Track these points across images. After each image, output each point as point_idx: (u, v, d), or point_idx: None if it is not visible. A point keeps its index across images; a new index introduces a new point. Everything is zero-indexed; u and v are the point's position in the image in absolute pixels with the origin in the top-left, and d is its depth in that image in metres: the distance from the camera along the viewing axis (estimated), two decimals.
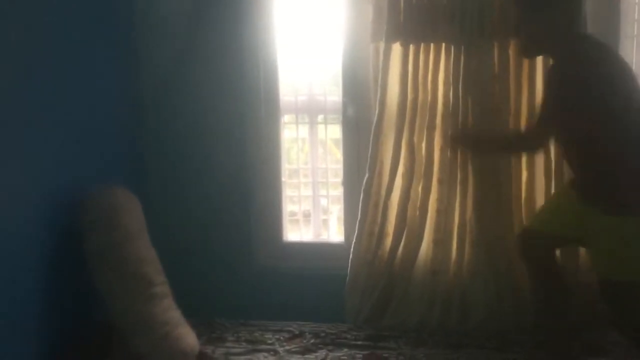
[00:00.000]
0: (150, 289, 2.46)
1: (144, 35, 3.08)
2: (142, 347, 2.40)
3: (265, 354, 2.71)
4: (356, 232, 3.00)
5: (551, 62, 2.56)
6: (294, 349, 2.74)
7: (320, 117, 3.36)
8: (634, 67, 3.00)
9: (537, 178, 2.92)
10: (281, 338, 2.84)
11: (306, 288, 2.89)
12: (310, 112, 3.34)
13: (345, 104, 3.15)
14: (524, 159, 2.92)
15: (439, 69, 2.90)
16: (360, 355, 2.68)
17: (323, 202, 3.47)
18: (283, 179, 3.31)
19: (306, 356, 2.69)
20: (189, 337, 2.56)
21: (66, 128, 2.48)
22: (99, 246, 2.40)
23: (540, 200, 2.92)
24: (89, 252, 2.41)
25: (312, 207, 3.42)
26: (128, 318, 2.42)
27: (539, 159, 2.91)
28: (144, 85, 3.11)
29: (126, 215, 2.49)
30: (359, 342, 2.80)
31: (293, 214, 3.47)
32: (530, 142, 2.72)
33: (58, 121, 2.43)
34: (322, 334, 2.86)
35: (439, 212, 2.95)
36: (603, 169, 2.37)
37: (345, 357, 2.67)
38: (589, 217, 2.41)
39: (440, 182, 2.94)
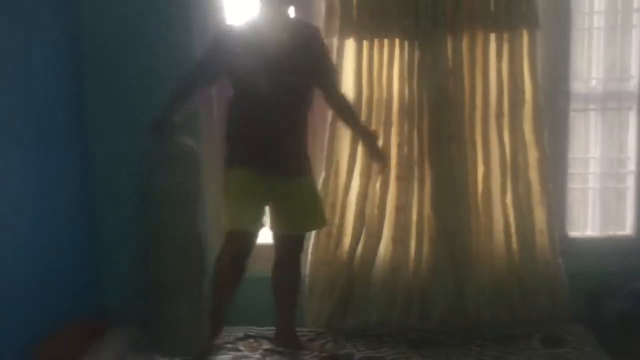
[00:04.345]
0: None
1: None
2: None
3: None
4: (313, 233, 2.94)
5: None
6: (255, 356, 2.67)
7: None
8: (585, 59, 3.06)
9: (492, 173, 2.92)
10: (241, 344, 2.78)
11: (262, 292, 2.80)
12: None
13: None
14: (479, 154, 2.91)
15: (393, 64, 2.87)
16: None
17: None
18: None
19: None
20: None
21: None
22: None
23: (496, 194, 2.92)
24: None
25: None
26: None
27: (494, 154, 2.91)
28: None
29: None
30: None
31: None
32: None
33: None
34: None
35: (397, 209, 2.92)
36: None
37: None
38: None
39: (398, 179, 2.91)
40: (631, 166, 3.12)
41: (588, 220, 3.20)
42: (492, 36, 2.85)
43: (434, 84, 2.83)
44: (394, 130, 2.90)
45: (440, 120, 2.85)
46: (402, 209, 2.92)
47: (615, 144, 3.16)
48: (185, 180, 2.53)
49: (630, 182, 3.13)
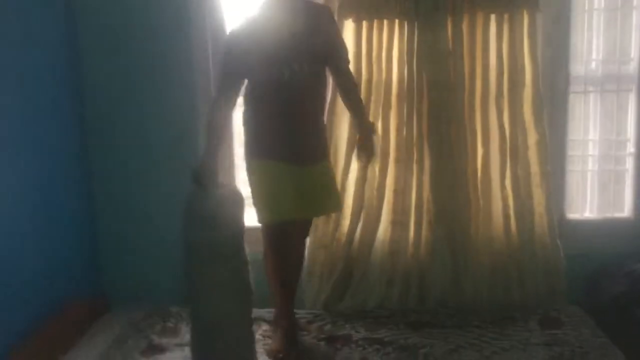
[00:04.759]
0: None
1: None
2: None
3: None
4: None
5: None
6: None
7: None
8: (585, 41, 3.04)
9: (492, 155, 2.92)
10: None
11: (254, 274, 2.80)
12: None
13: None
14: (479, 136, 2.90)
15: (392, 46, 2.85)
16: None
17: None
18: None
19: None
20: None
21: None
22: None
23: (495, 176, 2.92)
24: None
25: None
26: None
27: (494, 136, 2.90)
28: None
29: None
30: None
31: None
32: None
33: None
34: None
35: (396, 192, 2.92)
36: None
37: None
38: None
39: (397, 161, 2.90)
40: (630, 148, 3.12)
41: (586, 203, 3.21)
42: (492, 17, 2.83)
43: (434, 65, 2.82)
44: (392, 113, 2.89)
45: (440, 102, 2.84)
46: (400, 192, 2.92)
47: (614, 126, 3.16)
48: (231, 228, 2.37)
49: (629, 164, 3.14)
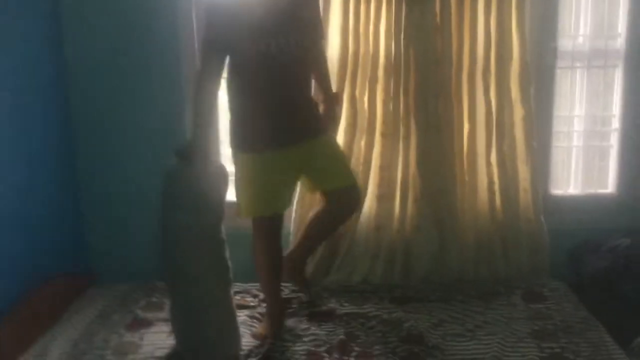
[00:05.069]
0: None
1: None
2: None
3: None
4: (298, 190, 2.92)
5: None
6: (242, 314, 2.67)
7: None
8: (573, 16, 3.03)
9: (478, 130, 2.91)
10: None
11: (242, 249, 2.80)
12: None
13: None
14: (465, 111, 2.90)
15: (380, 20, 2.81)
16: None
17: None
18: None
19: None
20: None
21: None
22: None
23: (481, 152, 2.92)
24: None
25: None
26: None
27: (480, 111, 2.89)
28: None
29: None
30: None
31: None
32: None
33: None
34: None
35: (382, 167, 2.91)
36: None
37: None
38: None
39: (383, 136, 2.89)
40: (615, 124, 3.13)
41: (571, 178, 3.22)
42: None
43: (421, 40, 2.79)
44: (379, 87, 2.87)
45: (427, 77, 2.82)
46: (386, 167, 2.91)
47: (601, 101, 3.16)
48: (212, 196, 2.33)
49: (614, 140, 3.15)
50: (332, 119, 2.70)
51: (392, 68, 2.84)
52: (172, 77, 2.98)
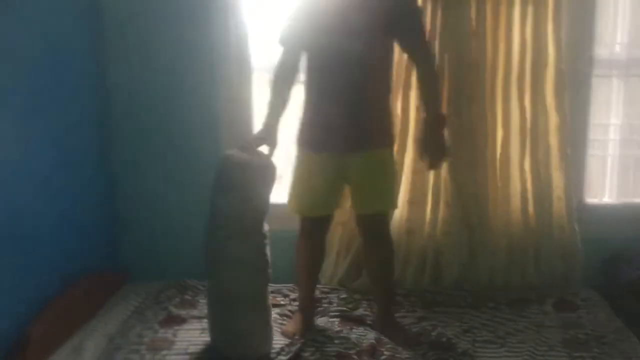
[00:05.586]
0: None
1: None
2: None
3: None
4: None
5: None
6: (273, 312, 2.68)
7: None
8: (610, 24, 3.00)
9: (512, 136, 2.90)
10: None
11: (281, 250, 2.81)
12: None
13: None
14: (499, 117, 2.89)
15: None
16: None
17: None
18: None
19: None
20: None
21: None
22: None
23: (515, 158, 2.91)
24: None
25: None
26: None
27: (515, 117, 2.88)
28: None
29: None
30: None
31: None
32: None
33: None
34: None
35: (414, 172, 2.92)
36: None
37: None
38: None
39: (416, 141, 2.89)
40: None
41: (606, 187, 3.18)
42: None
43: (456, 45, 2.80)
44: (412, 93, 2.87)
45: (461, 83, 2.82)
46: (418, 172, 2.91)
47: (637, 110, 3.12)
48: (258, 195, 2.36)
49: None
50: (424, 142, 2.51)
51: None
52: (210, 78, 3.01)
